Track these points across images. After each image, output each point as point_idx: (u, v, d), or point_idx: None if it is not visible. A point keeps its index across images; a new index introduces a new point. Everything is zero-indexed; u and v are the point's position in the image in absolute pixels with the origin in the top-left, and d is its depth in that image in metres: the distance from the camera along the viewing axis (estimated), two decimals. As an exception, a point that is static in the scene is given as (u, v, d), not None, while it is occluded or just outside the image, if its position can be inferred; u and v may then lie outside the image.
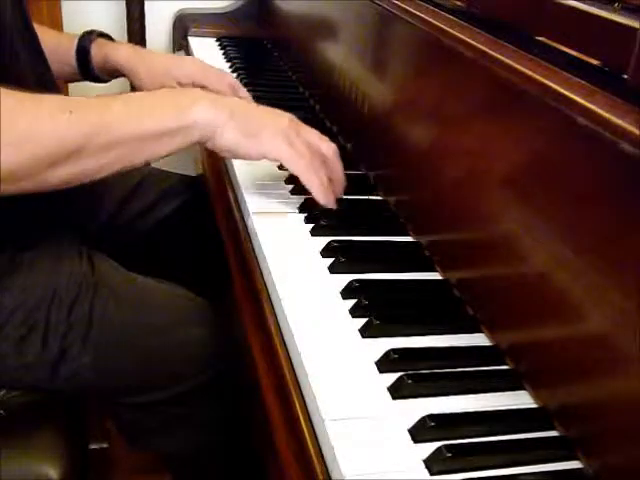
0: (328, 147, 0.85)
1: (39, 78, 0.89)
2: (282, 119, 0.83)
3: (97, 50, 1.09)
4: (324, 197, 0.82)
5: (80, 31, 1.12)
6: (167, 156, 0.80)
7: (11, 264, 0.83)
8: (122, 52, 1.09)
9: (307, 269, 0.76)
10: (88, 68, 1.10)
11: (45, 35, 0.97)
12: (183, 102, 0.79)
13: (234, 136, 0.80)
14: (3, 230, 0.72)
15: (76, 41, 1.09)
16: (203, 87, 1.06)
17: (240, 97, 1.12)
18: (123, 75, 1.12)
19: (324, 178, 0.83)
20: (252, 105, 0.89)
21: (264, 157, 0.82)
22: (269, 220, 0.84)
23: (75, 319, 0.83)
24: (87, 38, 1.09)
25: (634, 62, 0.54)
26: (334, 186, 0.85)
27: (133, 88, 1.12)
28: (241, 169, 0.94)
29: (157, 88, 1.09)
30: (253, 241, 0.82)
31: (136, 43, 1.64)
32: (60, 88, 1.03)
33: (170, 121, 0.77)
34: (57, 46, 1.04)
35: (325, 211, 0.83)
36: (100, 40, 1.10)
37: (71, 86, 1.42)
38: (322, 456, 0.56)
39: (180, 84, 1.11)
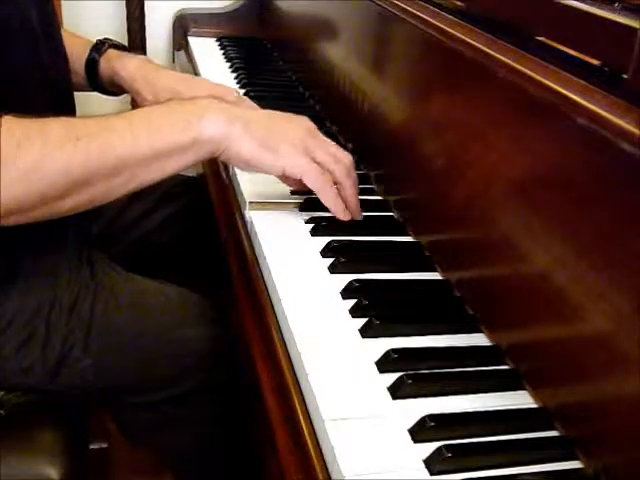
0: (347, 156, 0.83)
1: (59, 84, 0.88)
2: (300, 129, 0.80)
3: (105, 64, 1.03)
4: (343, 214, 0.82)
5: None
6: (181, 171, 0.77)
7: (11, 268, 0.82)
8: (128, 69, 1.00)
9: (307, 269, 0.76)
10: (96, 81, 1.04)
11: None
12: (192, 116, 0.75)
13: (250, 148, 0.77)
14: (3, 234, 0.72)
15: (87, 50, 1.03)
16: None
17: None
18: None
19: (350, 190, 0.82)
20: (267, 113, 0.84)
21: (282, 172, 0.79)
22: (269, 220, 0.84)
23: (76, 322, 0.83)
24: (97, 49, 1.03)
25: (634, 62, 0.54)
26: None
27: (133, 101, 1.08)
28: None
29: None
30: (253, 241, 0.82)
31: (136, 43, 1.65)
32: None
33: (179, 138, 0.73)
34: (69, 53, 0.96)
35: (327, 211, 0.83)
36: (111, 52, 1.03)
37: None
38: (322, 456, 0.56)
39: None
